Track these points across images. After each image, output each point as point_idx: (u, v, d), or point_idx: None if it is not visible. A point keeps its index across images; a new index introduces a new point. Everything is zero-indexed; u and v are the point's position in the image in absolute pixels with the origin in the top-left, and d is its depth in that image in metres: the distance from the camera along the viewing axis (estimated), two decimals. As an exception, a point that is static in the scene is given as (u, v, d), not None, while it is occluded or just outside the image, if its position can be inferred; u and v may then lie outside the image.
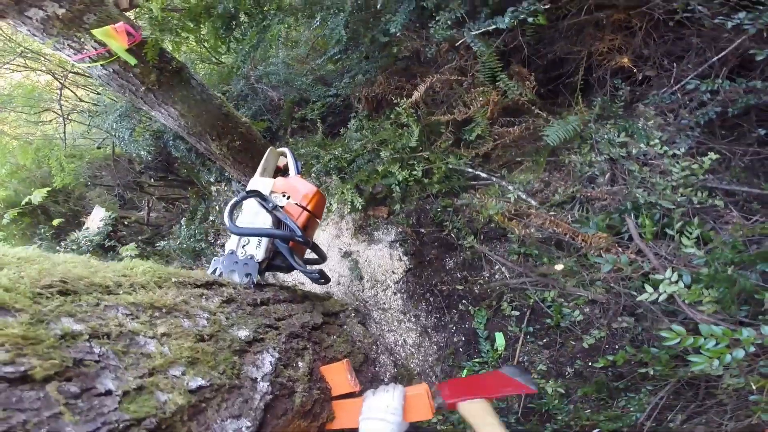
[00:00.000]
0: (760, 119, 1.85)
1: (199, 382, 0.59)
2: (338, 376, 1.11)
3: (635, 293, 1.57)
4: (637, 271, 1.46)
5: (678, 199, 1.63)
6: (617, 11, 1.94)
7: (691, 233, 1.51)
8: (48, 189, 3.70)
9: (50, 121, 5.25)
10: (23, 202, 3.70)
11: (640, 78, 2.14)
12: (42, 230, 3.55)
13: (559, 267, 1.70)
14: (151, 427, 0.49)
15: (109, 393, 0.47)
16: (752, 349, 0.90)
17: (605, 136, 1.88)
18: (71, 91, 4.82)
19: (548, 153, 2.10)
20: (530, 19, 1.68)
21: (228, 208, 1.10)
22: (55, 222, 3.80)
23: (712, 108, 1.80)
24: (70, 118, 4.85)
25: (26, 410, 0.40)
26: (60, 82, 4.58)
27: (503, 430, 0.96)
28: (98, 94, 4.66)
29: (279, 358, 0.88)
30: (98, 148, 4.76)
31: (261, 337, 0.87)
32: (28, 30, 1.98)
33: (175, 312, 0.67)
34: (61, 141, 4.56)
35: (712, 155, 1.66)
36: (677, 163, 1.72)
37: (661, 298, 1.26)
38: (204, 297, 0.79)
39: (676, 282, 1.26)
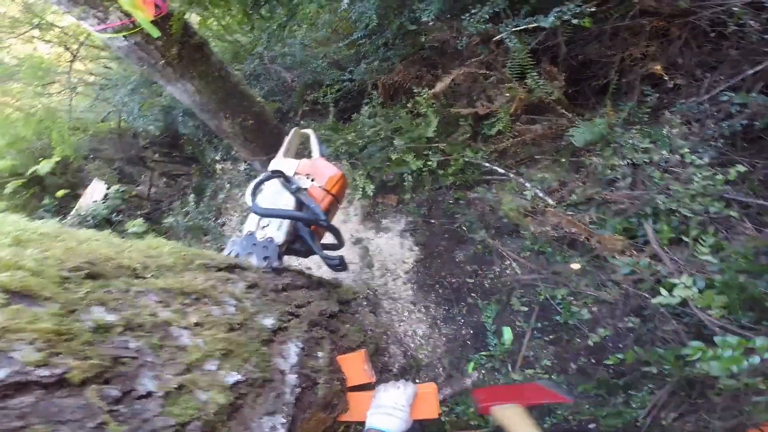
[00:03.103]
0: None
1: (236, 377, 0.57)
2: (355, 366, 1.09)
3: (647, 295, 1.57)
4: (654, 274, 1.45)
5: (696, 208, 1.60)
6: (659, 19, 1.88)
7: (705, 241, 1.49)
8: (56, 160, 3.65)
9: (57, 93, 5.17)
10: (29, 172, 3.65)
11: (670, 86, 2.10)
12: (47, 201, 3.51)
13: (575, 266, 1.69)
14: (196, 431, 0.46)
15: (150, 395, 0.45)
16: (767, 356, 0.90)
17: (630, 141, 1.84)
18: (82, 63, 4.72)
19: (570, 153, 2.06)
20: (575, 21, 1.62)
21: (251, 187, 1.07)
22: (60, 194, 3.76)
23: (739, 121, 1.78)
24: (77, 90, 4.77)
25: (68, 422, 0.36)
26: (72, 54, 4.47)
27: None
28: (107, 68, 4.57)
29: (302, 348, 0.87)
30: (102, 121, 4.68)
31: (285, 326, 0.85)
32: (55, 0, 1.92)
33: (204, 298, 0.64)
34: (65, 113, 4.48)
35: (740, 167, 1.64)
36: (699, 172, 1.69)
37: (674, 302, 1.26)
38: (230, 282, 0.77)
39: (690, 287, 1.25)
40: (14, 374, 0.34)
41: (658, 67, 2.03)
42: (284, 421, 0.62)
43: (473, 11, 1.88)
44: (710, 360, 0.95)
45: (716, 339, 0.93)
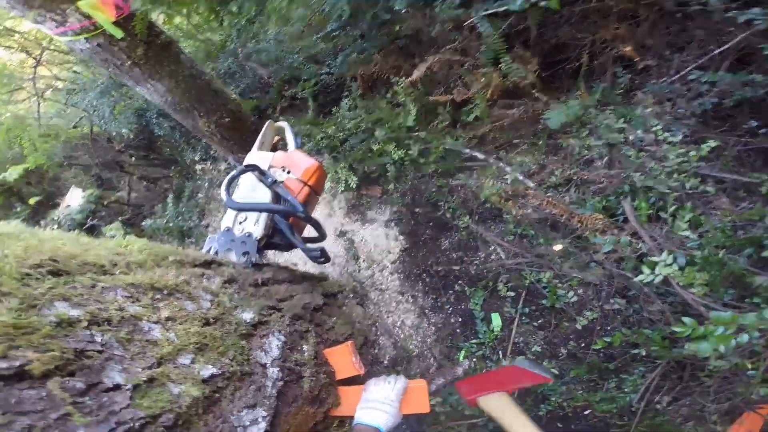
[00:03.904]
0: (753, 111, 1.89)
1: (211, 370, 0.56)
2: (342, 358, 1.08)
3: (629, 275, 1.60)
4: (634, 252, 1.48)
5: (672, 185, 1.64)
6: (626, 1, 1.90)
7: (683, 217, 1.53)
8: (24, 167, 3.52)
9: (23, 100, 4.97)
10: (1, 179, 3.53)
11: (641, 67, 2.14)
12: (18, 209, 3.38)
13: (557, 247, 1.71)
14: (168, 423, 0.45)
15: (118, 387, 0.43)
16: (756, 334, 0.92)
17: (604, 122, 1.87)
18: (46, 68, 4.55)
19: (547, 136, 2.08)
20: (542, 3, 1.63)
21: (225, 182, 1.05)
22: (32, 201, 3.63)
23: (709, 99, 1.82)
24: (44, 96, 4.60)
25: (29, 413, 0.35)
26: (35, 59, 4.30)
27: (526, 419, 0.97)
28: (76, 72, 4.41)
29: (285, 342, 0.85)
30: (74, 127, 4.54)
31: (265, 320, 0.84)
32: (7, 2, 1.83)
33: (177, 293, 0.62)
34: (34, 120, 4.32)
35: (711, 143, 1.68)
36: (673, 150, 1.73)
37: (656, 280, 1.28)
38: (205, 277, 0.75)
39: (671, 264, 1.28)
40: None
41: (629, 49, 2.06)
42: (265, 414, 0.61)
43: None
44: (701, 337, 0.96)
45: (713, 315, 0.94)
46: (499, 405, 1.03)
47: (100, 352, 0.44)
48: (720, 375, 1.46)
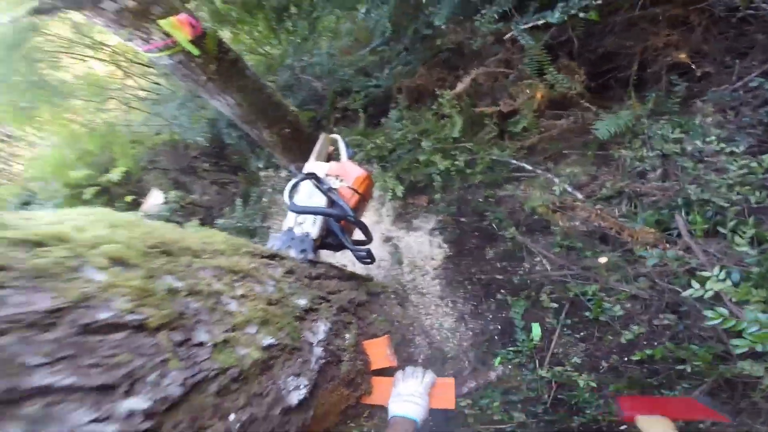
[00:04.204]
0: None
1: (270, 340, 0.69)
2: (379, 350, 1.19)
3: (680, 290, 1.52)
4: (683, 266, 1.42)
5: (734, 198, 1.55)
6: (674, 7, 1.84)
7: (745, 232, 1.44)
8: (123, 170, 4.09)
9: (113, 109, 5.71)
10: (104, 179, 4.13)
11: (699, 74, 2.03)
12: (119, 206, 3.94)
13: (603, 260, 1.68)
14: (234, 376, 0.58)
15: (202, 344, 0.57)
16: None
17: (659, 132, 1.80)
18: (133, 80, 5.21)
19: (597, 147, 2.04)
20: (581, 15, 1.63)
21: (288, 188, 1.20)
22: (128, 199, 4.19)
23: None
24: (131, 106, 5.26)
25: (143, 355, 0.49)
26: (124, 71, 4.95)
27: None
28: (157, 84, 5.01)
29: (330, 328, 0.97)
30: (157, 134, 5.14)
31: (316, 307, 0.96)
32: (103, 21, 2.12)
33: (249, 277, 0.76)
34: (123, 128, 4.96)
35: (782, 153, 1.56)
36: (735, 161, 1.63)
37: (707, 295, 1.23)
38: (270, 267, 0.89)
39: (724, 280, 1.22)
40: (113, 317, 0.46)
41: (683, 56, 1.97)
42: (307, 383, 0.73)
43: (483, 12, 1.93)
44: (735, 332, 0.93)
45: (746, 313, 0.92)
46: (659, 429, 1.04)
47: (193, 316, 0.58)
48: None
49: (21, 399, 0.34)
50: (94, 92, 5.21)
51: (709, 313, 1.01)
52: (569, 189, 1.98)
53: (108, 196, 4.57)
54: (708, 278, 1.26)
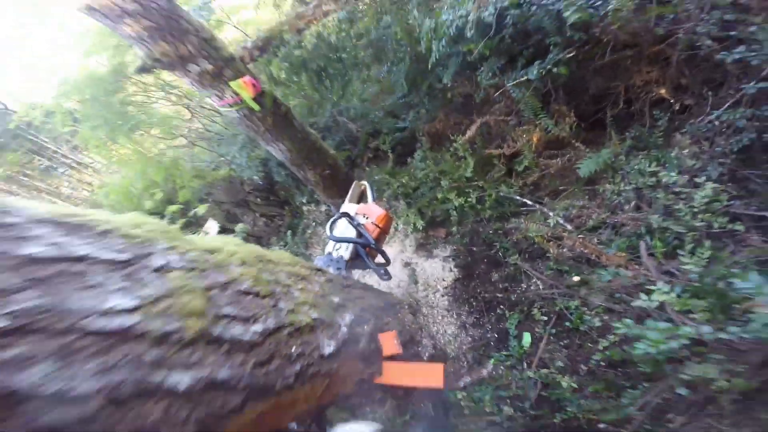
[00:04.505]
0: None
1: (315, 314, 1.15)
2: (388, 340, 1.61)
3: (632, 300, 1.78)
4: (634, 280, 1.73)
5: (697, 224, 1.84)
6: (644, 48, 2.17)
7: (702, 254, 1.73)
8: (206, 205, 4.72)
9: (179, 146, 6.51)
10: (191, 213, 4.78)
11: (678, 108, 2.29)
12: (192, 233, 4.65)
13: (576, 278, 2.01)
14: (296, 328, 1.04)
15: (282, 309, 1.04)
16: (685, 342, 1.19)
17: (636, 167, 2.13)
18: (198, 121, 6.01)
19: (584, 183, 2.39)
20: (554, 70, 2.05)
21: (329, 224, 1.71)
22: (201, 231, 4.90)
23: (747, 135, 1.89)
24: (195, 144, 6.06)
25: (259, 307, 0.96)
26: (191, 113, 5.75)
27: None
28: (216, 123, 5.73)
29: (354, 318, 1.42)
30: (214, 170, 5.92)
31: (345, 304, 1.42)
32: (189, 80, 2.66)
33: (305, 279, 1.24)
34: (186, 163, 5.65)
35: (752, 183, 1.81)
36: (702, 190, 1.90)
37: (653, 305, 1.54)
38: (317, 275, 1.37)
39: (668, 292, 1.54)
40: (246, 288, 0.95)
41: (663, 91, 2.27)
42: (335, 345, 1.17)
43: (481, 69, 2.40)
44: (637, 337, 1.26)
45: (648, 322, 1.24)
46: None
47: (278, 294, 1.06)
48: (738, 399, 1.58)
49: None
50: (165, 129, 5.92)
51: (617, 324, 1.34)
52: (561, 221, 2.33)
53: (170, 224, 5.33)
54: (654, 291, 1.58)
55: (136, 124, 5.00)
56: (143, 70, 2.78)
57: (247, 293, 0.91)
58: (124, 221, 0.76)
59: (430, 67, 2.59)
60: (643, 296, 1.59)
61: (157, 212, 5.35)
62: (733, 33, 1.75)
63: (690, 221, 1.84)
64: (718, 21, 1.80)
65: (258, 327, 0.87)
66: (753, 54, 1.68)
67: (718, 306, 1.53)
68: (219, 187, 5.82)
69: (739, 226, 1.82)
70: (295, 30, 3.50)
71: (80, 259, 0.57)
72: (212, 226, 5.10)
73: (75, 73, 4.83)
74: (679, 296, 1.56)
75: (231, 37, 5.51)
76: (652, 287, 1.60)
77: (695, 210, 1.88)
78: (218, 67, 2.64)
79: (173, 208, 5.07)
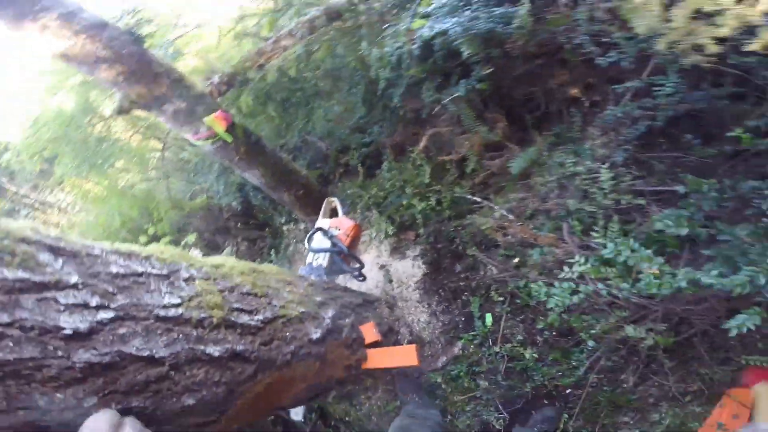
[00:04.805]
0: (691, 127, 2.26)
1: (302, 309, 1.46)
2: (368, 330, 1.93)
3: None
4: (561, 257, 2.12)
5: (608, 203, 2.24)
6: (551, 56, 2.58)
7: (614, 229, 2.14)
8: (194, 233, 4.82)
9: (152, 178, 6.50)
10: (182, 243, 4.86)
11: (588, 105, 2.73)
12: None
13: (516, 260, 2.40)
14: (288, 319, 1.35)
15: (275, 305, 1.35)
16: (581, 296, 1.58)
17: (557, 161, 2.54)
18: (172, 153, 6.02)
19: (520, 178, 2.81)
20: (477, 86, 2.45)
21: (307, 237, 2.04)
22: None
23: (642, 123, 2.25)
24: (170, 175, 6.11)
25: (259, 303, 1.27)
26: (163, 145, 5.71)
27: None
28: (189, 153, 5.80)
29: (336, 313, 1.73)
30: (190, 199, 6.02)
31: (327, 302, 1.73)
32: (165, 119, 2.91)
33: (292, 285, 1.55)
34: (162, 194, 5.67)
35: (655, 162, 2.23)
36: (609, 173, 2.29)
37: (574, 276, 1.92)
38: (301, 280, 1.68)
39: (584, 263, 1.92)
40: (247, 290, 1.25)
41: (575, 91, 2.71)
42: (320, 332, 1.48)
43: (423, 88, 2.80)
44: (547, 295, 1.65)
45: (556, 283, 1.62)
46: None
47: (271, 295, 1.37)
48: (678, 358, 1.96)
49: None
50: (137, 162, 5.82)
51: (533, 285, 1.72)
52: (505, 213, 2.73)
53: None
54: (573, 263, 1.97)
55: (111, 159, 5.05)
56: (121, 111, 3.00)
57: (248, 294, 1.22)
58: (152, 250, 1.06)
59: (380, 91, 2.96)
60: (566, 269, 1.98)
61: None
62: (605, 40, 2.18)
63: (601, 201, 2.25)
64: (593, 30, 2.21)
65: (260, 317, 1.18)
66: (623, 57, 2.10)
67: (625, 271, 1.93)
68: (198, 216, 5.96)
69: (641, 201, 2.24)
70: (256, 66, 3.81)
71: (140, 274, 0.87)
72: (195, 254, 5.25)
73: (38, 111, 4.84)
74: (593, 266, 1.96)
75: (193, 65, 5.67)
76: (572, 260, 1.99)
77: (605, 191, 2.29)
78: (190, 104, 2.90)
79: (192, 237, 5.11)
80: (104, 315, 0.71)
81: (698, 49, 1.24)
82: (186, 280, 0.99)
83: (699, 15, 1.16)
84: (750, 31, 1.18)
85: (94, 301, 0.70)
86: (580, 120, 2.67)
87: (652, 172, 2.41)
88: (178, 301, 0.89)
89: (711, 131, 2.26)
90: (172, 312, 0.85)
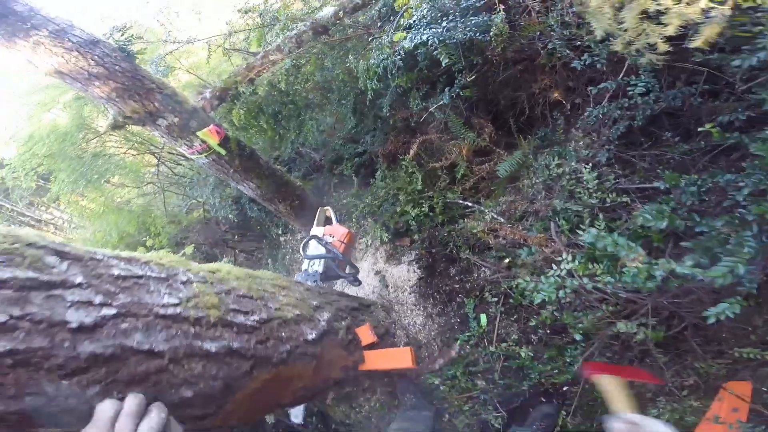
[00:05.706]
0: (670, 125, 2.36)
1: (298, 311, 1.51)
2: (364, 332, 1.97)
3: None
4: (550, 256, 2.18)
5: (593, 202, 2.31)
6: (532, 61, 2.68)
7: (600, 226, 2.20)
8: (192, 246, 4.82)
9: (148, 193, 6.52)
10: (180, 255, 4.86)
11: (569, 107, 2.82)
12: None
13: (506, 261, 2.46)
14: (284, 320, 1.40)
15: (271, 308, 1.40)
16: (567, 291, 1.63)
17: (543, 163, 2.62)
18: (168, 168, 6.09)
19: (509, 181, 2.88)
20: (462, 93, 2.54)
21: (302, 245, 2.09)
22: None
23: (622, 123, 2.33)
24: (165, 189, 6.15)
25: (254, 306, 1.32)
26: (158, 159, 5.80)
27: (631, 403, 1.23)
28: (184, 167, 5.87)
29: (332, 316, 1.78)
30: (186, 213, 6.03)
31: (322, 306, 1.78)
32: (159, 133, 2.91)
33: (287, 289, 1.60)
34: (158, 209, 5.69)
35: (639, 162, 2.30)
36: (593, 173, 2.36)
37: (563, 273, 1.97)
38: (297, 286, 1.73)
39: (572, 261, 1.98)
40: (243, 293, 1.30)
41: (557, 94, 2.79)
42: (316, 333, 1.53)
43: (410, 98, 2.89)
44: (534, 289, 1.70)
45: (543, 278, 1.67)
46: (612, 385, 1.33)
47: (267, 299, 1.42)
48: (671, 352, 1.99)
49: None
50: (133, 177, 5.85)
51: (520, 280, 1.77)
52: (495, 216, 2.80)
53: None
54: (561, 261, 2.03)
55: (107, 175, 5.08)
56: (116, 126, 3.03)
57: (244, 296, 1.27)
58: (152, 256, 1.11)
59: (369, 101, 3.05)
60: (554, 267, 2.03)
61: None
62: (578, 43, 2.27)
63: (587, 200, 2.32)
64: (565, 35, 2.30)
65: (255, 317, 1.23)
66: (596, 59, 2.19)
67: (610, 265, 1.99)
68: (195, 229, 5.98)
69: (625, 198, 2.31)
70: (247, 80, 3.90)
71: (140, 276, 0.92)
72: (193, 268, 5.25)
73: (30, 127, 4.87)
74: (580, 263, 2.01)
75: (184, 80, 5.75)
76: (560, 258, 2.04)
77: (590, 190, 2.36)
78: (183, 119, 2.94)
79: (188, 249, 5.13)
80: (107, 311, 0.76)
81: (651, 48, 1.32)
82: (184, 282, 1.04)
83: (647, 15, 1.24)
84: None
85: (97, 299, 0.76)
86: (563, 122, 2.77)
87: (635, 170, 2.49)
88: (177, 301, 0.94)
89: (689, 128, 2.34)
90: (170, 310, 0.90)
